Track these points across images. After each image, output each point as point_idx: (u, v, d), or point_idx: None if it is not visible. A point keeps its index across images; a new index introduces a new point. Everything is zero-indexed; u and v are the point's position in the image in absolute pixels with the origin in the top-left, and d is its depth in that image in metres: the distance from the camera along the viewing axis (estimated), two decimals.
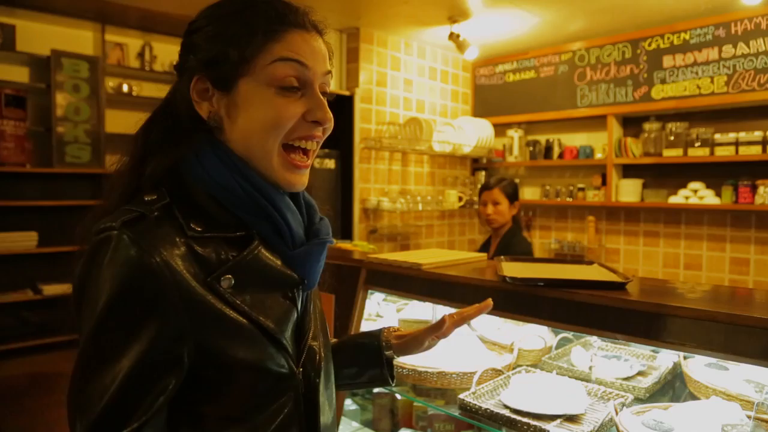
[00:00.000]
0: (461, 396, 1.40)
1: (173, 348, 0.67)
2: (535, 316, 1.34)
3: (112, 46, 3.83)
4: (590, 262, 1.66)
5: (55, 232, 3.53)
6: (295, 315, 0.81)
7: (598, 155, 4.54)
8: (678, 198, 4.09)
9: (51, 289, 3.43)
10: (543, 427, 1.24)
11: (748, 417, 1.17)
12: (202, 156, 0.76)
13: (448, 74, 5.11)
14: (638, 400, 1.40)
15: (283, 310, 0.78)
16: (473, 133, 4.73)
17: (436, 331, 1.01)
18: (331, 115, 0.80)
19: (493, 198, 2.78)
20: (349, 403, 1.94)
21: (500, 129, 5.07)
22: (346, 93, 4.29)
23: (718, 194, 3.95)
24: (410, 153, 4.67)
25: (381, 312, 2.04)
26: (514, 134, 5.03)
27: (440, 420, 1.69)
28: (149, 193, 0.73)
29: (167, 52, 4.02)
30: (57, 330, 3.45)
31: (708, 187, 4.01)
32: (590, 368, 1.55)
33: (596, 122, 4.56)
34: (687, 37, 4.00)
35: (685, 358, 1.48)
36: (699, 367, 1.42)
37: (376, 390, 1.85)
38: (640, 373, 1.55)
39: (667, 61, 4.10)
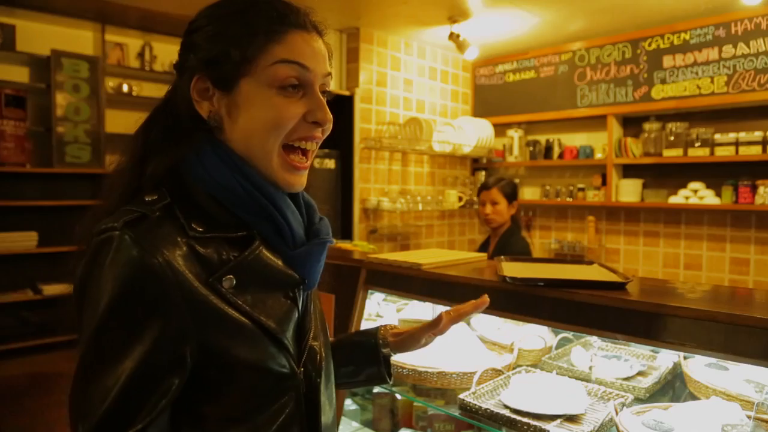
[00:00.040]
0: (461, 396, 1.40)
1: (176, 348, 0.67)
2: (535, 316, 1.34)
3: (112, 46, 3.83)
4: (590, 262, 1.66)
5: (55, 232, 3.53)
6: (296, 315, 0.81)
7: (598, 155, 4.54)
8: (678, 198, 4.09)
9: (51, 289, 3.43)
10: (543, 427, 1.24)
11: (748, 417, 1.17)
12: (203, 155, 0.76)
13: (448, 74, 5.11)
14: (638, 400, 1.40)
15: (284, 310, 0.78)
16: (473, 133, 4.73)
17: (433, 328, 1.02)
18: (331, 116, 0.80)
19: (491, 198, 2.78)
20: (349, 403, 1.94)
21: (500, 129, 5.07)
22: (346, 93, 4.29)
23: (718, 194, 3.95)
24: (410, 153, 4.67)
25: (381, 312, 2.04)
26: (514, 134, 5.03)
27: (440, 420, 1.69)
28: (150, 194, 0.73)
29: (167, 52, 4.02)
30: (57, 330, 3.45)
31: (708, 187, 4.01)
32: (590, 368, 1.55)
33: (596, 122, 4.56)
34: (687, 37, 4.00)
35: (685, 358, 1.48)
36: (699, 367, 1.42)
37: (376, 390, 1.85)
38: (640, 373, 1.55)
39: (667, 61, 4.10)
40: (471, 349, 1.64)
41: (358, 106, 4.29)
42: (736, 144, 3.81)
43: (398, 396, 1.81)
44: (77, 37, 3.72)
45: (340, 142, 4.28)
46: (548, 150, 4.84)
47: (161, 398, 0.65)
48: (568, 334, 1.73)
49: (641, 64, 4.22)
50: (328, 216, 0.90)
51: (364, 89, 4.36)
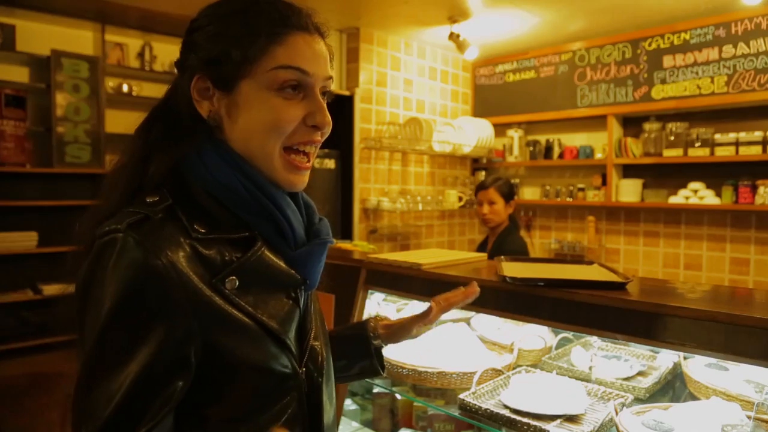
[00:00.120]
0: (461, 396, 1.40)
1: (181, 350, 0.66)
2: (535, 316, 1.34)
3: (112, 46, 3.83)
4: (590, 262, 1.66)
5: (55, 232, 3.52)
6: (298, 315, 0.81)
7: (598, 155, 4.54)
8: (678, 198, 4.09)
9: (51, 289, 3.43)
10: (543, 427, 1.24)
11: (748, 417, 1.17)
12: (204, 154, 0.76)
13: (448, 74, 5.11)
14: (638, 400, 1.40)
15: (286, 311, 0.78)
16: (473, 133, 4.73)
17: (424, 318, 1.03)
18: (330, 120, 0.80)
19: (488, 197, 2.79)
20: (349, 403, 1.94)
21: (500, 129, 5.07)
22: (346, 93, 4.29)
23: (718, 194, 3.95)
24: (410, 153, 4.67)
25: (381, 312, 2.04)
26: (514, 134, 5.03)
27: (440, 420, 1.69)
28: (151, 195, 0.73)
29: (167, 52, 4.02)
30: (57, 330, 3.44)
31: (708, 187, 4.01)
32: (590, 368, 1.55)
33: (596, 122, 4.56)
34: (687, 37, 4.00)
35: (685, 358, 1.48)
36: (699, 367, 1.42)
37: (376, 390, 1.85)
38: (640, 373, 1.56)
39: (668, 61, 4.10)
40: (471, 349, 1.64)
41: (358, 106, 4.29)
42: (736, 144, 3.81)
43: (398, 396, 1.81)
44: (77, 37, 3.71)
45: (340, 142, 4.28)
46: (548, 150, 4.84)
47: (166, 402, 0.65)
48: (568, 334, 1.73)
49: (641, 64, 4.22)
50: (328, 216, 0.90)
51: (364, 89, 4.36)
